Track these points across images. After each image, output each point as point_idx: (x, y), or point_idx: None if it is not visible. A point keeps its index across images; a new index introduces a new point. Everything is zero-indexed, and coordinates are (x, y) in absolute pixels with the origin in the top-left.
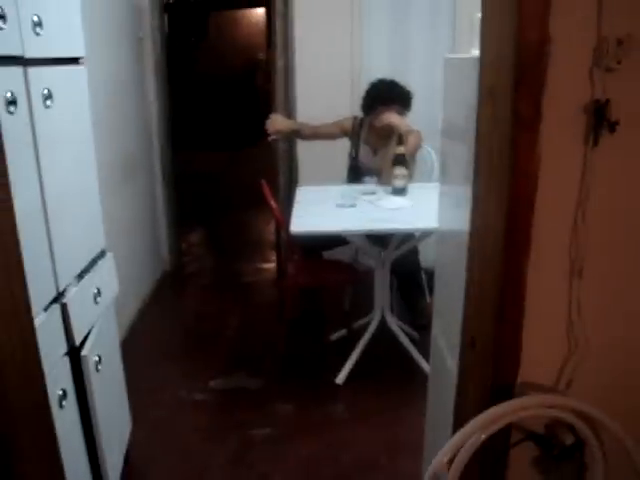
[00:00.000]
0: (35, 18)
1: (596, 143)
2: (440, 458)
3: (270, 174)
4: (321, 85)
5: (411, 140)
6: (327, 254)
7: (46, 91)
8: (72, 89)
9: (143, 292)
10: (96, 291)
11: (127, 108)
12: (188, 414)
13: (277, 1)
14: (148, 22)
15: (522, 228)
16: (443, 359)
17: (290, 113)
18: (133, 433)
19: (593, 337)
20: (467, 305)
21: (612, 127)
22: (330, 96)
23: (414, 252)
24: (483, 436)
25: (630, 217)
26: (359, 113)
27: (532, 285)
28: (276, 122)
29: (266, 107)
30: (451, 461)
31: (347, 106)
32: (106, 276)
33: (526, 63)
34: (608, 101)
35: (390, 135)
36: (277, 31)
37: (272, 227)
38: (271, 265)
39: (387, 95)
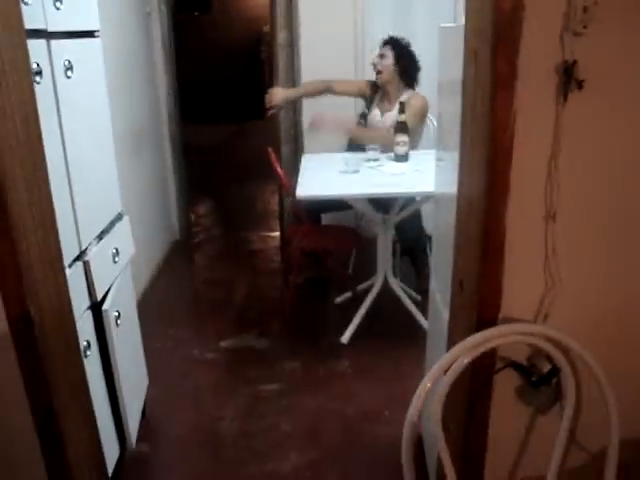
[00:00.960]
0: None
1: (565, 99)
2: (427, 380)
3: (276, 145)
4: (325, 56)
5: (413, 103)
6: (329, 218)
7: (67, 62)
8: (89, 61)
9: (155, 259)
10: (114, 251)
11: (137, 80)
12: (200, 371)
13: None
14: None
15: (501, 177)
16: (439, 312)
17: (294, 84)
18: (148, 389)
19: (566, 275)
20: (456, 252)
21: (580, 85)
22: (333, 67)
23: (417, 218)
24: (466, 360)
25: (597, 165)
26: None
27: (511, 229)
28: (276, 95)
29: (271, 79)
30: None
31: (351, 75)
32: (123, 237)
33: (502, 28)
34: (575, 62)
35: (393, 98)
36: (277, 6)
37: (277, 197)
38: (277, 234)
39: (385, 40)
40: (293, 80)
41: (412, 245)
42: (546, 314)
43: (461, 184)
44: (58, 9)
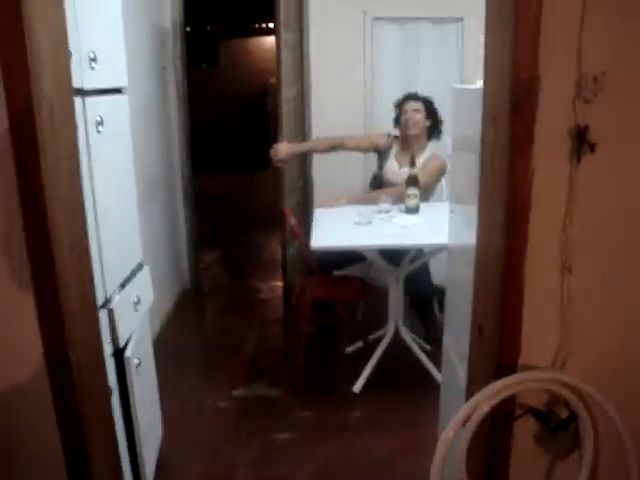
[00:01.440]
0: (91, 55)
1: (579, 161)
2: (450, 428)
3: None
4: (334, 111)
5: (432, 165)
6: (339, 272)
7: (99, 117)
8: (118, 115)
9: (165, 308)
10: (136, 299)
11: (152, 131)
12: (214, 419)
13: (281, 34)
14: (171, 51)
15: (520, 231)
16: (454, 370)
17: (304, 138)
18: (163, 437)
19: (583, 324)
20: (475, 299)
21: (592, 148)
22: (343, 122)
23: (426, 270)
24: (486, 408)
25: (610, 221)
26: (392, 130)
27: (529, 280)
28: (280, 151)
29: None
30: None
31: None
32: (144, 286)
33: (520, 96)
34: (587, 127)
35: (418, 150)
36: (282, 62)
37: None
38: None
39: (407, 94)
40: (303, 134)
41: (421, 297)
42: (564, 361)
43: (480, 237)
44: (93, 69)
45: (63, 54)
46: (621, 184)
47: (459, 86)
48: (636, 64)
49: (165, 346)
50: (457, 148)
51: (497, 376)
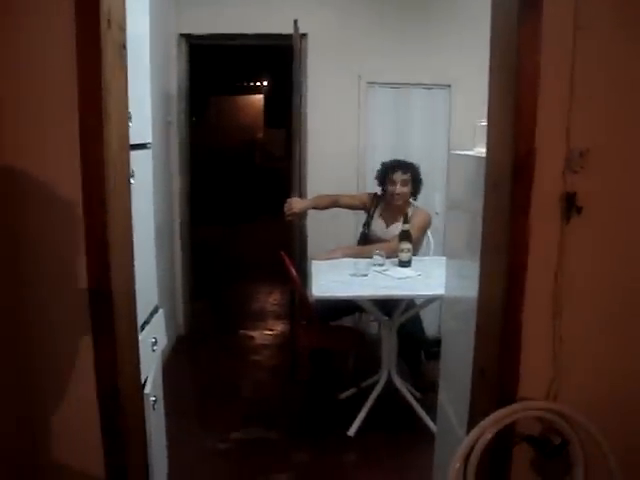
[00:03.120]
0: (130, 114)
1: (568, 222)
2: (456, 460)
3: (269, 248)
4: (329, 169)
5: (417, 219)
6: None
7: (132, 171)
8: (144, 169)
9: (162, 353)
10: (154, 340)
11: (158, 181)
12: (213, 461)
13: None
14: (175, 107)
15: (517, 283)
16: (452, 427)
17: (302, 193)
18: (168, 476)
19: (572, 362)
20: (477, 344)
21: (579, 210)
22: (337, 180)
23: (417, 320)
24: (490, 434)
25: (596, 272)
26: (377, 190)
27: (526, 325)
28: (296, 204)
29: (266, 184)
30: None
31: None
32: (159, 328)
33: (519, 167)
34: (575, 193)
35: (402, 213)
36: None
37: (274, 298)
38: (276, 331)
39: (396, 162)
40: (300, 190)
41: (411, 345)
42: (556, 393)
43: (482, 288)
44: (130, 127)
45: (125, 116)
46: (605, 240)
47: (456, 152)
48: (614, 143)
49: (162, 391)
50: (452, 207)
51: (498, 409)
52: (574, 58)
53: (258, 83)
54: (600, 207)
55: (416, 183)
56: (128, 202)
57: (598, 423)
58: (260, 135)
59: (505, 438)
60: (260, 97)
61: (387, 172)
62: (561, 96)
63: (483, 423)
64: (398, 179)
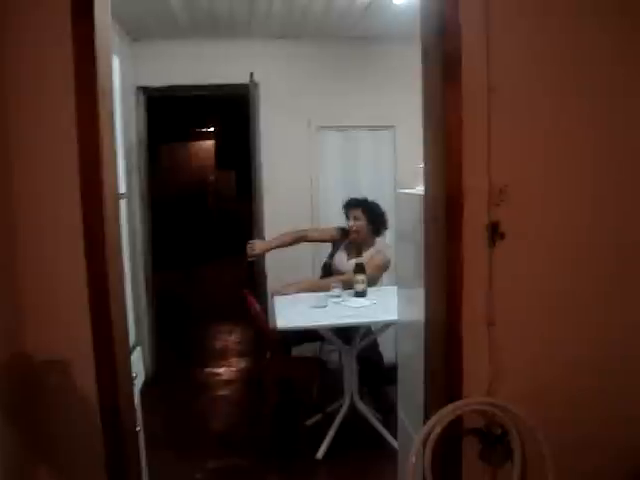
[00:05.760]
0: None
1: (494, 245)
2: (411, 454)
3: (226, 288)
4: (285, 207)
5: (375, 263)
6: (297, 350)
7: None
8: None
9: None
10: (135, 375)
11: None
12: None
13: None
14: (135, 156)
15: (455, 299)
16: (411, 438)
17: (259, 232)
18: None
19: (505, 363)
20: (427, 354)
21: (502, 236)
22: (292, 216)
23: (375, 346)
24: (439, 428)
25: (516, 288)
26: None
27: (466, 334)
28: (257, 246)
29: (219, 226)
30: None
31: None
32: (138, 364)
33: (452, 203)
34: (498, 222)
35: (360, 247)
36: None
37: (235, 336)
38: (242, 367)
39: (350, 199)
40: (258, 229)
41: (370, 369)
42: (495, 390)
43: (428, 307)
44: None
45: (114, 165)
46: (524, 260)
47: (402, 190)
48: (526, 179)
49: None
50: (400, 239)
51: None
52: (489, 113)
53: (209, 129)
54: (518, 232)
55: (374, 218)
56: (119, 243)
57: (532, 413)
58: (212, 177)
59: (454, 432)
60: (211, 142)
61: (344, 209)
62: (481, 144)
63: (432, 419)
64: (351, 215)
